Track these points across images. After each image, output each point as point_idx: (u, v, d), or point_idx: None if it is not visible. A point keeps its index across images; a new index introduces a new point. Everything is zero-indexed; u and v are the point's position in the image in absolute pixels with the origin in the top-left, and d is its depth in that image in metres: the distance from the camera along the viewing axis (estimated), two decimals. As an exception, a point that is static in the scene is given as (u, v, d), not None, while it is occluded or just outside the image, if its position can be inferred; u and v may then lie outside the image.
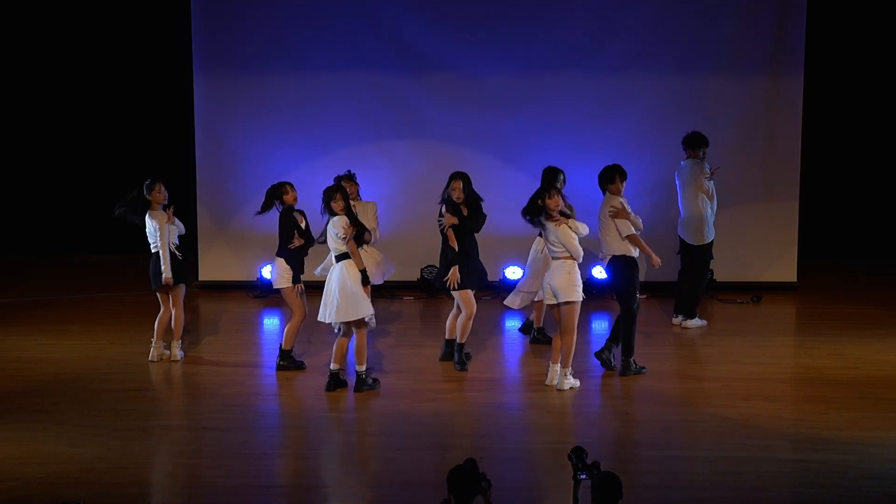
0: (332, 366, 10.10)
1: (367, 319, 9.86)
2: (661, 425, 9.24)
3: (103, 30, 15.46)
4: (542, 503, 8.01)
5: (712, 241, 12.16)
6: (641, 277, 10.73)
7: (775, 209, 13.88)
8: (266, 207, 10.56)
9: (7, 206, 16.01)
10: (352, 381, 10.12)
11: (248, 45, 13.77)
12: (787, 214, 13.87)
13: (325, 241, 10.11)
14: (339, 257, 9.93)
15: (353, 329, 9.96)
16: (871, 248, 15.48)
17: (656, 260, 10.50)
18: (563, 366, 10.04)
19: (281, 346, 10.72)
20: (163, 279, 10.68)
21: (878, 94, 15.23)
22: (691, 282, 12.22)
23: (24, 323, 12.46)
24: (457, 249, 10.44)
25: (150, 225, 10.73)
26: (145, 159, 15.10)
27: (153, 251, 10.75)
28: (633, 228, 10.39)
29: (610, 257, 10.50)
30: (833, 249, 15.37)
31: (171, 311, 10.90)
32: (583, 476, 6.12)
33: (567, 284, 9.80)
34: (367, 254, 10.64)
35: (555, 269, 9.91)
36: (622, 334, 10.49)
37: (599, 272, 13.34)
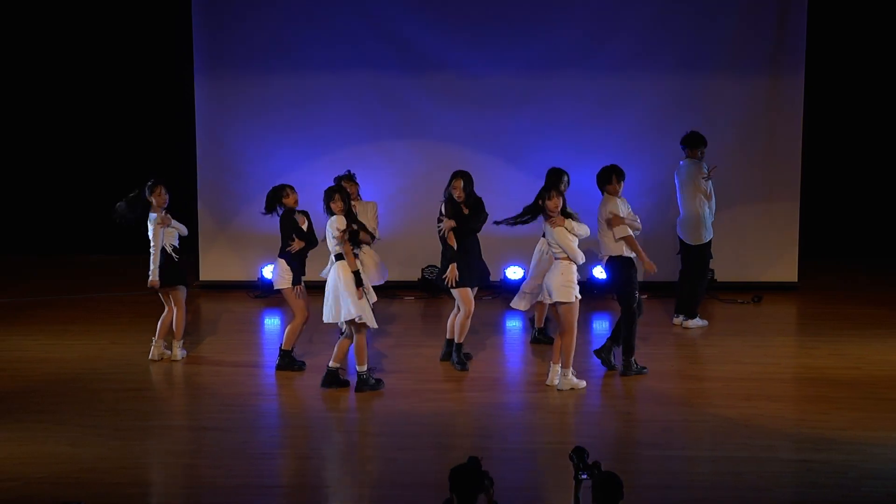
0: (331, 363, 10.13)
1: (357, 320, 9.86)
2: (662, 425, 9.24)
3: (104, 30, 15.45)
4: (542, 503, 8.00)
5: (710, 241, 12.15)
6: (641, 278, 10.71)
7: (776, 209, 13.87)
8: (270, 209, 10.56)
9: (7, 206, 16.00)
10: (353, 381, 10.11)
11: (249, 45, 13.76)
12: (787, 214, 13.86)
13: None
14: (338, 257, 9.95)
15: (353, 330, 9.96)
16: (872, 249, 15.47)
17: (650, 266, 10.44)
18: (564, 366, 10.04)
19: (281, 346, 10.71)
20: (148, 282, 10.69)
21: (879, 93, 15.22)
22: (691, 282, 12.22)
23: (24, 323, 12.45)
24: (455, 248, 10.44)
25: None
26: (146, 159, 15.10)
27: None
28: (628, 230, 10.37)
29: (607, 258, 10.51)
30: (834, 249, 15.37)
31: (174, 310, 10.90)
32: (584, 476, 6.11)
33: (559, 284, 9.83)
34: (367, 255, 10.65)
35: (553, 269, 9.96)
36: (623, 334, 10.49)
37: (600, 272, 13.33)
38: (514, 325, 12.42)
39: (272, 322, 12.88)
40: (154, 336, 10.97)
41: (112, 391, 10.09)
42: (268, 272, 13.42)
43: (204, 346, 11.62)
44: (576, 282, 9.91)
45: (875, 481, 8.04)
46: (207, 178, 13.96)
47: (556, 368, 10.09)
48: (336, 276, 9.90)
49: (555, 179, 10.79)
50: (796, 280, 13.95)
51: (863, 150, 15.45)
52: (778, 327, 12.49)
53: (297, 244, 10.47)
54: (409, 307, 13.36)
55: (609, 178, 10.47)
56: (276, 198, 10.53)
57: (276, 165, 13.61)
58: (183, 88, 14.02)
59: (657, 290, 13.29)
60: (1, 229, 15.98)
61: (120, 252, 15.04)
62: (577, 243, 9.87)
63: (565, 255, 9.85)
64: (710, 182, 12.01)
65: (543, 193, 9.94)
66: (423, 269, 13.84)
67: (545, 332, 11.47)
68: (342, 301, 9.85)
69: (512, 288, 13.23)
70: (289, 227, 10.53)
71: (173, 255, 10.74)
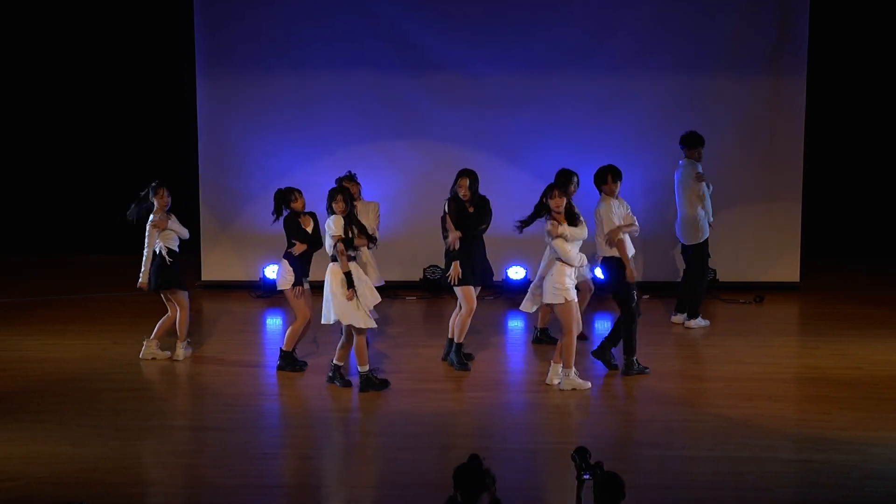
0: (335, 360, 10.18)
1: (344, 323, 9.86)
2: (663, 425, 9.23)
3: (105, 30, 15.44)
4: (544, 503, 8.00)
5: (707, 240, 12.13)
6: (640, 277, 10.68)
7: (777, 209, 13.86)
8: (279, 213, 10.56)
9: (7, 206, 16.00)
10: (355, 381, 10.10)
11: (249, 45, 13.76)
12: (789, 214, 13.85)
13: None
14: (333, 258, 9.95)
15: (353, 331, 9.96)
16: (873, 249, 15.46)
17: (631, 275, 10.35)
18: (565, 366, 10.04)
19: (281, 347, 10.70)
20: (137, 283, 10.68)
21: (881, 94, 15.20)
22: (690, 281, 12.21)
23: (24, 323, 12.45)
24: (457, 247, 10.44)
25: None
26: (147, 159, 15.10)
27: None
28: (620, 234, 10.34)
29: (602, 258, 10.51)
30: (835, 249, 15.35)
31: (177, 312, 10.88)
32: (587, 476, 6.10)
33: (549, 286, 9.88)
34: (367, 255, 10.63)
35: (551, 270, 9.95)
36: (623, 334, 10.48)
37: (600, 272, 13.30)
38: (515, 325, 12.42)
39: (274, 322, 12.87)
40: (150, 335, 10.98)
41: (113, 391, 10.09)
42: (269, 272, 13.43)
43: (206, 346, 11.61)
44: (569, 284, 9.89)
45: (876, 481, 8.04)
46: (208, 177, 13.96)
47: (557, 367, 10.09)
48: (327, 278, 9.93)
49: (563, 180, 10.75)
50: (798, 280, 13.94)
51: (864, 150, 15.43)
52: (779, 327, 12.48)
53: (299, 247, 10.46)
54: (410, 307, 13.35)
55: (605, 178, 10.45)
56: (284, 201, 10.52)
57: (276, 165, 13.61)
58: (184, 88, 14.02)
59: (657, 290, 13.29)
60: (1, 229, 15.97)
61: (120, 252, 15.01)
62: (578, 246, 9.87)
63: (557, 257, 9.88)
64: (704, 184, 11.99)
65: (547, 192, 9.95)
66: (424, 270, 13.83)
67: (547, 332, 11.46)
68: (331, 303, 9.88)
69: (514, 288, 13.24)
70: (292, 229, 10.52)
71: (167, 257, 10.71)
